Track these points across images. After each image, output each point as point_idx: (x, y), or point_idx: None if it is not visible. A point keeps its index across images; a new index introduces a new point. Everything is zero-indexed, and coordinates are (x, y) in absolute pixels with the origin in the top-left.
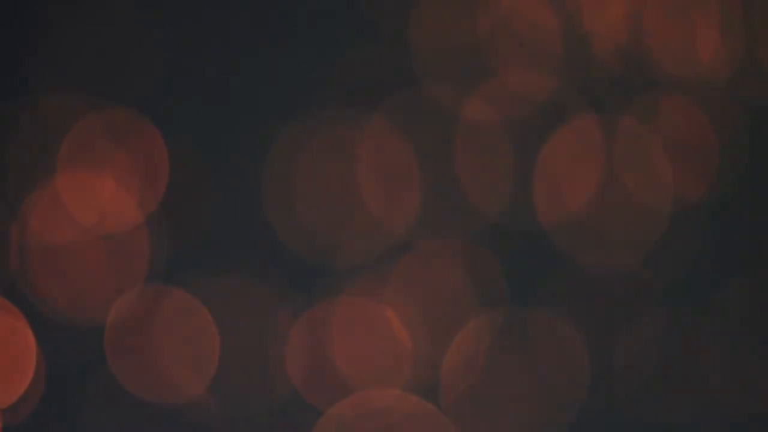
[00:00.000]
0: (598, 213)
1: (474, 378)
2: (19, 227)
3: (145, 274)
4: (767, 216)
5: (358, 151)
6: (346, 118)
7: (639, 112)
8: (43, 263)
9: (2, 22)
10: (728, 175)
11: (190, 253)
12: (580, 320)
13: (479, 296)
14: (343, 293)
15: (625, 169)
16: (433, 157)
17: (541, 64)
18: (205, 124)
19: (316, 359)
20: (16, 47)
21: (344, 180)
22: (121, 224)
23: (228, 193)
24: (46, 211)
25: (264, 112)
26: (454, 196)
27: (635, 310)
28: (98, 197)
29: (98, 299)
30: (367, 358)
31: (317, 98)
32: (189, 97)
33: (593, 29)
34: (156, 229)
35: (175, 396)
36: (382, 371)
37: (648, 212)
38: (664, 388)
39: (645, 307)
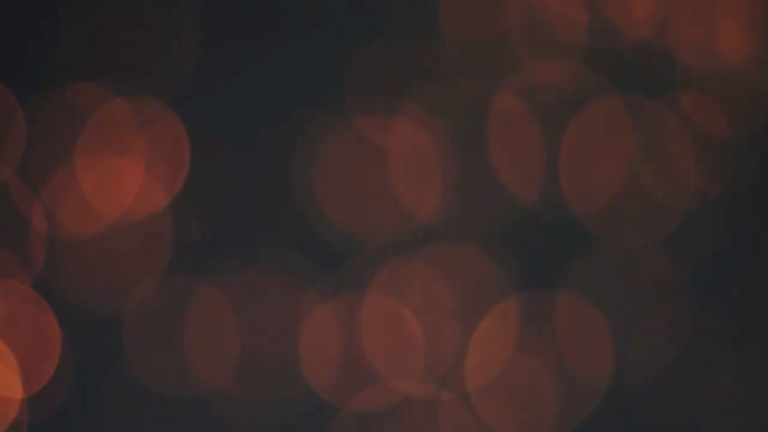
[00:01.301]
0: (619, 203)
1: (499, 366)
2: (42, 215)
3: (167, 262)
4: None
5: (385, 142)
6: (373, 108)
7: (663, 104)
8: (66, 251)
9: (31, 12)
10: (747, 170)
11: (209, 242)
12: (605, 308)
13: (502, 285)
14: (370, 282)
15: (647, 160)
16: (459, 148)
17: (566, 55)
18: (229, 112)
19: (339, 351)
20: (43, 37)
21: (371, 170)
22: (142, 212)
23: (249, 184)
24: (69, 198)
25: (290, 100)
26: (480, 186)
27: (659, 298)
28: (120, 184)
29: (121, 288)
30: (391, 350)
31: (344, 87)
32: (215, 87)
33: (619, 22)
34: (177, 218)
35: (197, 387)
36: (406, 362)
37: (667, 205)
38: (681, 379)
39: (668, 295)
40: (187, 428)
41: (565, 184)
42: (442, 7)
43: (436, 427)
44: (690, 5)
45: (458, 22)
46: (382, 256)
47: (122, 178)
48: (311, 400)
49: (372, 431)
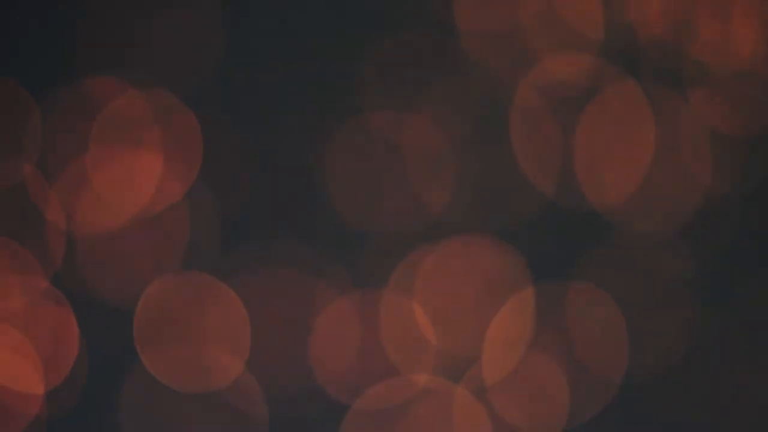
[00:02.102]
0: (633, 198)
1: (515, 358)
2: (60, 211)
3: (183, 257)
4: None
5: (400, 137)
6: (388, 102)
7: (676, 100)
8: (84, 247)
9: (45, 7)
10: (759, 168)
11: (224, 237)
12: (620, 302)
13: (518, 278)
14: (385, 276)
15: (660, 155)
16: (475, 142)
17: (580, 50)
18: (243, 107)
19: (355, 345)
20: (58, 33)
21: (385, 164)
22: (158, 207)
23: (264, 180)
24: (86, 194)
25: (305, 96)
26: (494, 180)
27: (674, 292)
28: (137, 180)
29: (138, 282)
30: (406, 343)
31: (359, 82)
32: (229, 82)
33: (634, 18)
34: (191, 213)
35: (213, 382)
36: (422, 356)
37: (680, 200)
38: (694, 374)
39: (682, 290)
40: (203, 422)
41: (578, 178)
42: (457, 2)
43: (451, 420)
44: (704, 2)
45: (473, 17)
46: (398, 250)
47: (139, 173)
48: (326, 393)
49: (387, 425)
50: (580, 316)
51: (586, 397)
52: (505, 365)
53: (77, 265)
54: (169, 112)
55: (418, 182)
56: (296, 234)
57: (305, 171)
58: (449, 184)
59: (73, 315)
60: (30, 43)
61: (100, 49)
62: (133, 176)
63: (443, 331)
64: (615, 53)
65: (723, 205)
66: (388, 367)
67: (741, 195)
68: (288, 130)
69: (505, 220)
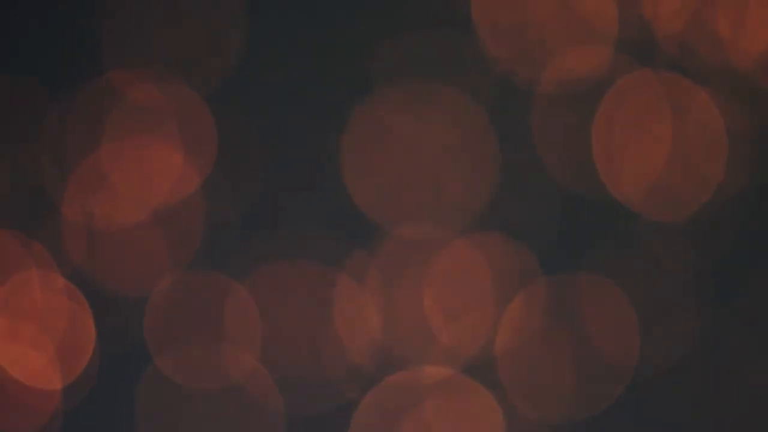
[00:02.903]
0: (644, 193)
1: (526, 349)
2: (77, 206)
3: (198, 251)
4: None
5: (416, 131)
6: (404, 95)
7: (693, 93)
8: (101, 242)
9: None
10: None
11: (239, 230)
12: (632, 296)
13: (529, 272)
14: (398, 269)
15: (673, 151)
16: (490, 136)
17: (594, 45)
18: (259, 100)
19: (369, 336)
20: (74, 28)
21: (401, 157)
22: (174, 202)
23: (279, 174)
24: (102, 189)
25: (322, 87)
26: (508, 173)
27: (685, 288)
28: (154, 174)
29: (154, 277)
30: (420, 335)
31: (374, 73)
32: (244, 76)
33: (649, 13)
34: (207, 206)
35: (228, 375)
36: (435, 348)
37: (692, 197)
38: (703, 370)
39: (694, 286)
40: (218, 416)
41: (592, 172)
42: None
43: (463, 413)
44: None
45: (489, 11)
46: (411, 244)
47: (155, 168)
48: (339, 387)
49: (400, 418)
50: (592, 309)
51: (597, 391)
52: (517, 358)
53: (93, 261)
54: (185, 106)
55: (432, 176)
56: (310, 228)
57: (320, 165)
58: (463, 178)
59: (89, 311)
60: (46, 39)
61: (116, 44)
62: (149, 171)
63: (455, 324)
64: (631, 47)
65: (737, 200)
66: (400, 360)
67: (755, 191)
68: (303, 124)
69: (518, 214)
